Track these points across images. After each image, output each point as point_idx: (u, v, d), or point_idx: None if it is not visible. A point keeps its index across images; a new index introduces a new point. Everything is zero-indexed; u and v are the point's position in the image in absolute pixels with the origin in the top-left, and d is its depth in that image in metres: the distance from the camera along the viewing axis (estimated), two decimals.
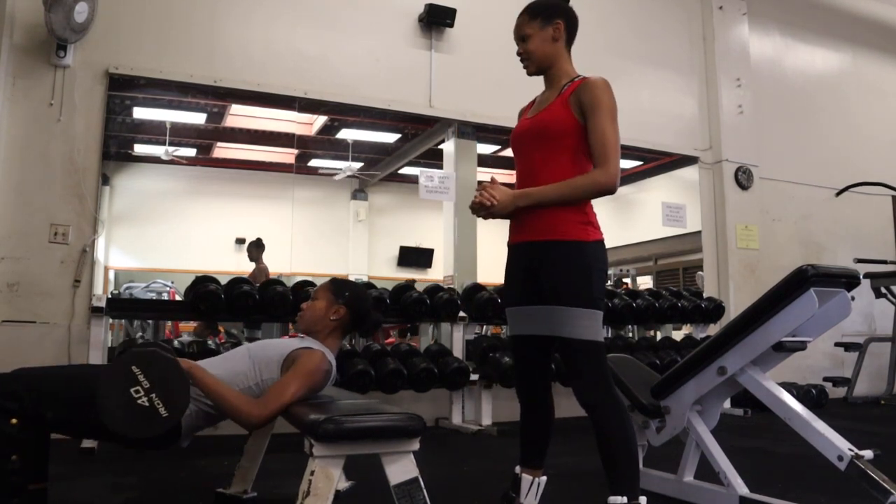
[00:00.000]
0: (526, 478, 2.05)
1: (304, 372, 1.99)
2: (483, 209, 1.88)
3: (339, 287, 2.27)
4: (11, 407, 1.73)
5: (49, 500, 2.29)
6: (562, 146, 1.91)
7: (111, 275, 7.93)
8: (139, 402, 1.67)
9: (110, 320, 4.44)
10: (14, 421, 1.73)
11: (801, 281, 2.15)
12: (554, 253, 1.88)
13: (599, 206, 1.97)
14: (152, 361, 1.71)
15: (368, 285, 4.35)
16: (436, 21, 4.96)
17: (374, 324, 2.39)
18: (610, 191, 1.87)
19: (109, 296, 3.87)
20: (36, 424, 1.78)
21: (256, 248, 6.49)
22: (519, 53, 2.05)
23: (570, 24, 2.02)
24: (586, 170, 1.93)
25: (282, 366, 2.05)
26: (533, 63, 2.02)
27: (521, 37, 2.02)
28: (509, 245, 2.05)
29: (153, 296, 6.50)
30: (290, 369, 2.00)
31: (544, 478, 2.07)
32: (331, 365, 2.11)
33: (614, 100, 1.90)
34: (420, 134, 6.53)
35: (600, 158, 1.87)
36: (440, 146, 5.64)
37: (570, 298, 1.84)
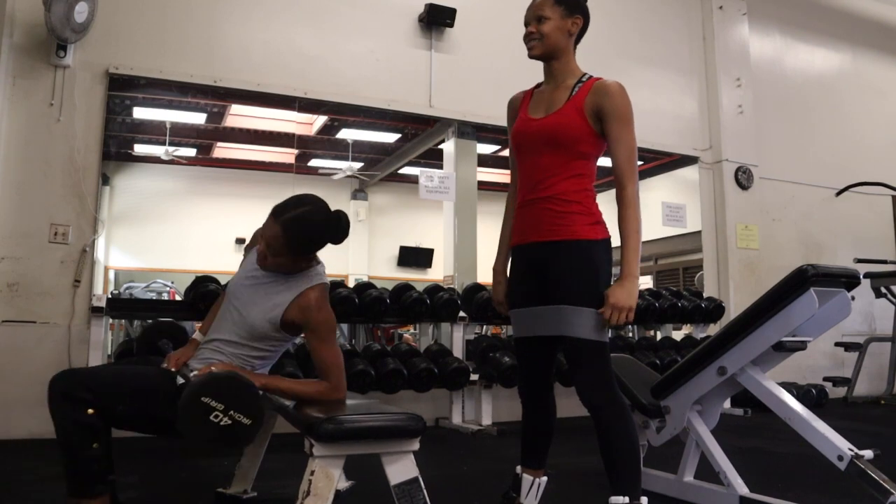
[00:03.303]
0: (527, 478, 2.05)
1: (331, 325, 2.03)
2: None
3: (288, 239, 1.96)
4: (87, 397, 1.77)
5: (50, 500, 2.29)
6: (574, 152, 1.89)
7: (111, 275, 7.94)
8: (222, 424, 1.71)
9: (110, 320, 4.45)
10: (90, 411, 1.76)
11: (801, 281, 2.15)
12: (561, 252, 1.86)
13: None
14: (214, 383, 1.73)
15: (368, 285, 4.35)
16: (436, 21, 4.96)
17: (345, 230, 2.07)
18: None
19: (109, 296, 3.87)
20: (106, 416, 1.81)
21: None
22: (529, 33, 1.96)
23: (585, 26, 2.00)
24: (592, 172, 1.93)
25: (281, 320, 2.00)
26: (542, 46, 1.95)
27: (537, 17, 1.95)
28: (514, 247, 2.02)
29: (153, 296, 6.51)
30: (314, 337, 2.00)
31: (545, 478, 2.06)
32: (324, 273, 2.10)
33: (631, 105, 1.89)
34: (420, 134, 6.53)
35: (629, 171, 1.86)
36: (440, 146, 5.64)
37: (576, 298, 1.82)
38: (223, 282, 3.87)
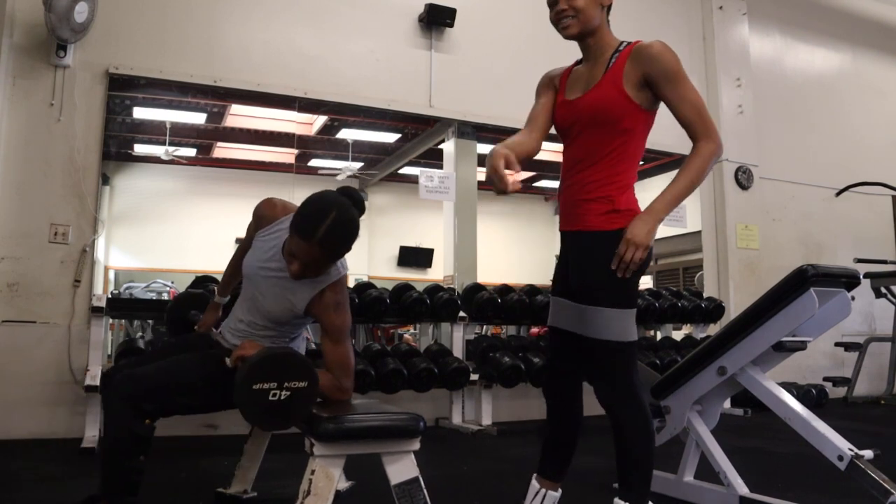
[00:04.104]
0: (534, 485, 1.96)
1: (346, 325, 1.98)
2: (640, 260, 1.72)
3: (339, 250, 1.90)
4: (148, 409, 1.80)
5: (50, 500, 2.29)
6: (616, 130, 1.79)
7: (111, 275, 7.94)
8: (283, 398, 1.73)
9: (110, 320, 4.45)
10: (148, 421, 1.81)
11: (801, 281, 2.15)
12: (578, 244, 1.82)
13: None
14: (257, 368, 1.73)
15: (368, 285, 4.35)
16: (436, 21, 4.96)
17: (363, 210, 1.97)
18: (720, 155, 1.78)
19: (109, 296, 3.86)
20: (163, 417, 1.86)
21: None
22: (561, 11, 1.81)
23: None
24: (635, 151, 1.84)
25: (303, 314, 1.98)
26: (578, 23, 1.81)
27: None
28: (560, 231, 1.96)
29: (153, 296, 6.51)
30: (327, 338, 1.96)
31: (558, 493, 1.96)
32: (346, 266, 2.03)
33: (679, 60, 1.76)
34: (420, 134, 6.53)
35: (701, 128, 1.74)
36: (440, 146, 5.64)
37: (595, 297, 1.76)
38: None
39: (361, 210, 1.96)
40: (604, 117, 1.79)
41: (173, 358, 2.02)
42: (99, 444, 3.26)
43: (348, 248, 1.93)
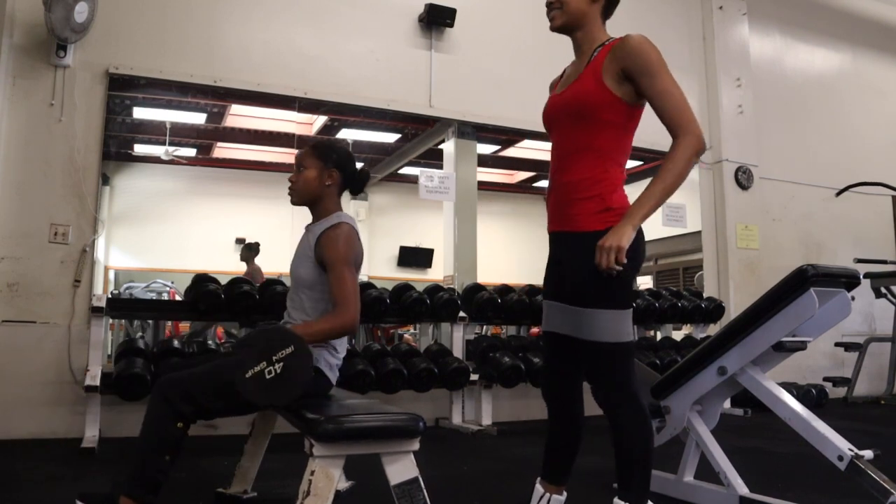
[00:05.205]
0: (538, 489, 1.95)
1: (342, 256, 2.03)
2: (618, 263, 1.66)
3: (326, 151, 2.23)
4: (185, 411, 1.86)
5: (50, 500, 2.30)
6: (600, 122, 1.76)
7: (111, 275, 7.94)
8: (279, 371, 1.75)
9: (110, 320, 4.45)
10: (180, 424, 1.86)
11: (801, 281, 2.15)
12: (569, 245, 1.80)
13: None
14: (242, 359, 1.76)
15: (368, 285, 4.34)
16: (436, 21, 4.95)
17: (365, 179, 2.30)
18: (702, 151, 1.74)
19: (109, 296, 3.86)
20: (194, 422, 1.91)
21: (248, 251, 6.56)
22: (549, 3, 1.84)
23: None
24: (619, 148, 1.81)
25: (314, 256, 2.10)
26: (564, 14, 1.82)
27: None
28: (548, 232, 1.94)
29: (153, 296, 6.50)
30: (328, 263, 2.04)
31: (563, 497, 1.95)
32: (351, 222, 2.14)
33: (661, 53, 1.73)
34: (420, 134, 6.53)
35: (680, 121, 1.71)
36: (440, 146, 5.64)
37: (588, 298, 1.74)
38: (223, 282, 3.89)
39: (361, 178, 2.27)
40: (583, 109, 1.78)
41: (213, 362, 2.05)
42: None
43: (331, 150, 2.21)
